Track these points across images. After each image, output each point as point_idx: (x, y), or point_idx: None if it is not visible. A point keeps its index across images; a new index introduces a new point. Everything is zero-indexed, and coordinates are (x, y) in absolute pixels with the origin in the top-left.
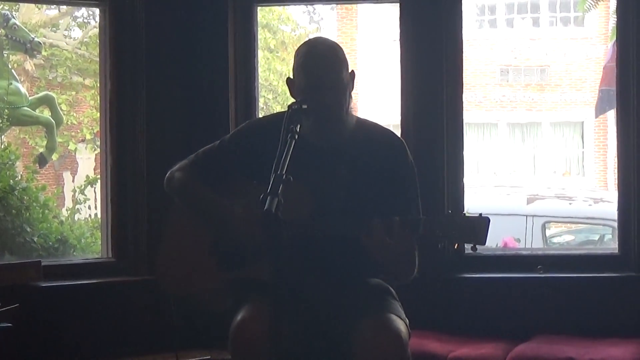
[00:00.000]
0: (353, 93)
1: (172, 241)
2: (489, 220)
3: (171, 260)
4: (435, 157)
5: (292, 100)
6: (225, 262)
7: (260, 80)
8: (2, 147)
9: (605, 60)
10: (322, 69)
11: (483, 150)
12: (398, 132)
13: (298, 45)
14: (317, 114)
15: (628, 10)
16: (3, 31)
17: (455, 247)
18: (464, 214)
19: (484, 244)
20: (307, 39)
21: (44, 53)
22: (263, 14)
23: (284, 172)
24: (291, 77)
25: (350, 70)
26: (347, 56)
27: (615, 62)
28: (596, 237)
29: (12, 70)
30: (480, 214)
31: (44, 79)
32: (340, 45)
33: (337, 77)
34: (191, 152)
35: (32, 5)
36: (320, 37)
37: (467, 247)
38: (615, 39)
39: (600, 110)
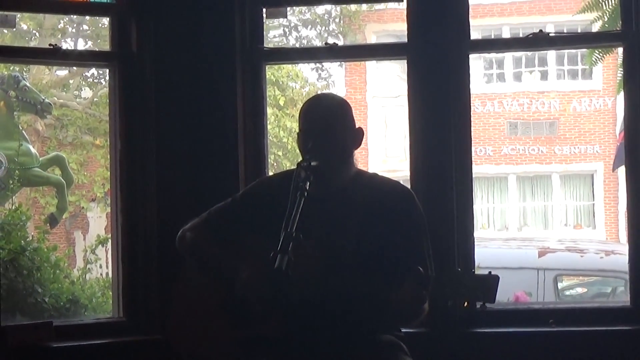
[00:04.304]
0: (362, 148)
1: (183, 300)
2: (498, 278)
3: (182, 319)
4: (445, 212)
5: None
6: (236, 320)
7: (270, 137)
8: (13, 208)
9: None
10: (312, 120)
11: (493, 203)
12: (408, 186)
13: None
14: (315, 170)
15: (634, 63)
16: (13, 93)
17: (465, 305)
18: (474, 271)
19: (494, 302)
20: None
21: (54, 113)
22: (272, 71)
23: (294, 230)
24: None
25: (357, 127)
26: (355, 112)
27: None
28: (608, 290)
29: (23, 131)
30: (490, 272)
31: (55, 138)
32: (348, 101)
33: (328, 127)
34: (202, 210)
35: (43, 66)
36: (323, 94)
37: (477, 304)
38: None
39: (617, 164)
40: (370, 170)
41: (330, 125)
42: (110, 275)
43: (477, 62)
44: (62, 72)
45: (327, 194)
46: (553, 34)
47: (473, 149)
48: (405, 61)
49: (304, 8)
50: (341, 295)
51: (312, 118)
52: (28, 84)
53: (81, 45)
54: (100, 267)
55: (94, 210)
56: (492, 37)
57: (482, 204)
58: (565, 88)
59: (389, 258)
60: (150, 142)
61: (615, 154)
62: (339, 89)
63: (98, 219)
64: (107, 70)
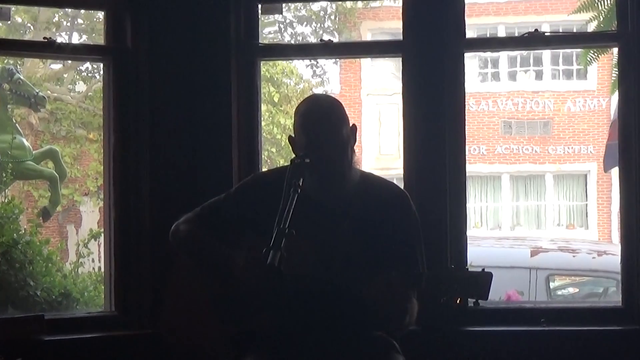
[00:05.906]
0: (356, 146)
1: (176, 293)
2: (491, 275)
3: (175, 311)
4: (438, 210)
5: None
6: (228, 313)
7: (263, 134)
8: (6, 200)
9: (613, 115)
10: (320, 128)
11: (487, 202)
12: (401, 185)
13: (301, 99)
14: (319, 172)
15: (629, 63)
16: (7, 86)
17: (458, 302)
18: (467, 268)
19: (487, 299)
20: (308, 94)
21: (48, 107)
22: (267, 67)
23: (286, 226)
24: (292, 134)
25: (351, 125)
26: (349, 109)
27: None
28: (600, 290)
29: (16, 124)
30: (483, 269)
31: (48, 132)
32: (343, 98)
33: (337, 135)
34: (195, 205)
35: (37, 60)
36: (318, 95)
37: (470, 301)
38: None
39: (608, 164)
40: (364, 169)
41: (331, 140)
42: (102, 269)
43: (472, 61)
44: (57, 66)
45: (330, 200)
46: (548, 34)
47: (467, 147)
48: (400, 59)
49: (299, 4)
50: (333, 293)
51: (312, 134)
52: (22, 77)
53: (76, 39)
54: (93, 261)
55: (86, 204)
56: (488, 36)
57: (476, 203)
58: (559, 88)
59: (382, 257)
60: (144, 137)
61: (604, 153)
62: (333, 86)
63: (91, 213)
64: (102, 65)
